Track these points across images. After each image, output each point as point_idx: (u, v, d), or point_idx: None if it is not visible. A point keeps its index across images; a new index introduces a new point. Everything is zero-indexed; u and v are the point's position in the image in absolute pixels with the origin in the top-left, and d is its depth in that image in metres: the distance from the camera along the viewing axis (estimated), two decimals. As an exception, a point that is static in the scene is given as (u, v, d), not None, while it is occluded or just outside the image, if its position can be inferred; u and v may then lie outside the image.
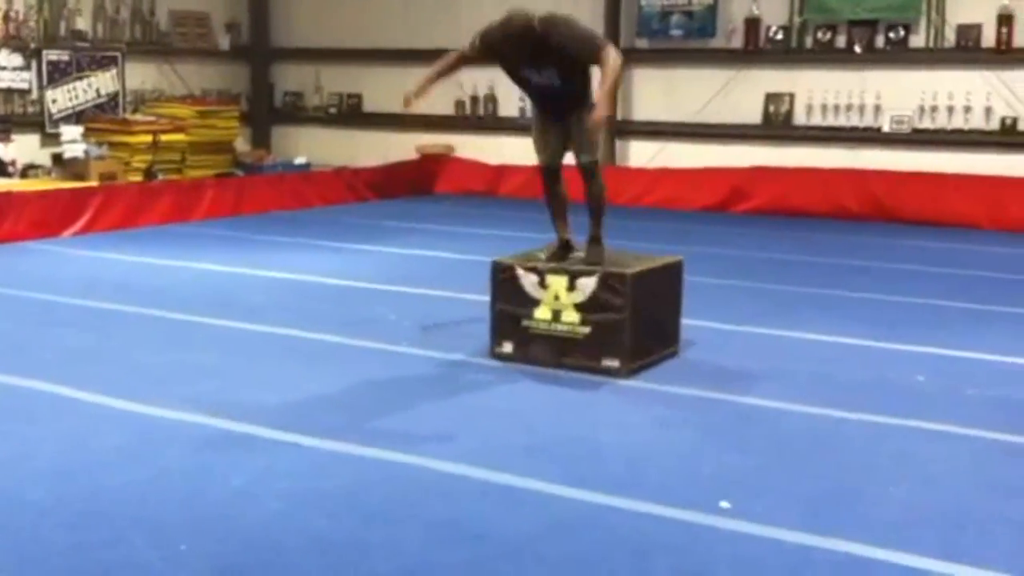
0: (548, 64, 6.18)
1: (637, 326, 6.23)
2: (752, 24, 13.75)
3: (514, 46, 6.20)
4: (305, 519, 4.23)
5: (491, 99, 15.23)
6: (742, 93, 13.83)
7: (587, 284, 6.25)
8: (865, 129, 13.26)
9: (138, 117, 14.04)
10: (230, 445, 5.06)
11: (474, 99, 15.39)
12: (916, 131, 12.98)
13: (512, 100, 14.73)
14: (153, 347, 6.85)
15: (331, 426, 5.30)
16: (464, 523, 4.23)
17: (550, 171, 6.65)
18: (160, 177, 13.15)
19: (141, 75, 14.85)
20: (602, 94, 6.12)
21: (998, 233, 11.90)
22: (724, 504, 4.37)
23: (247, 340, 7.09)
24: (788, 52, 13.66)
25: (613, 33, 14.28)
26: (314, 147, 16.33)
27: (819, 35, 13.54)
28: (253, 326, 7.38)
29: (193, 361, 6.51)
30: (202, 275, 9.34)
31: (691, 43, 14.16)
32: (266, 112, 16.94)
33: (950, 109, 12.78)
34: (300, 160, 15.48)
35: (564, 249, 6.67)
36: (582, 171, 6.48)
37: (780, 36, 13.67)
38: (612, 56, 6.10)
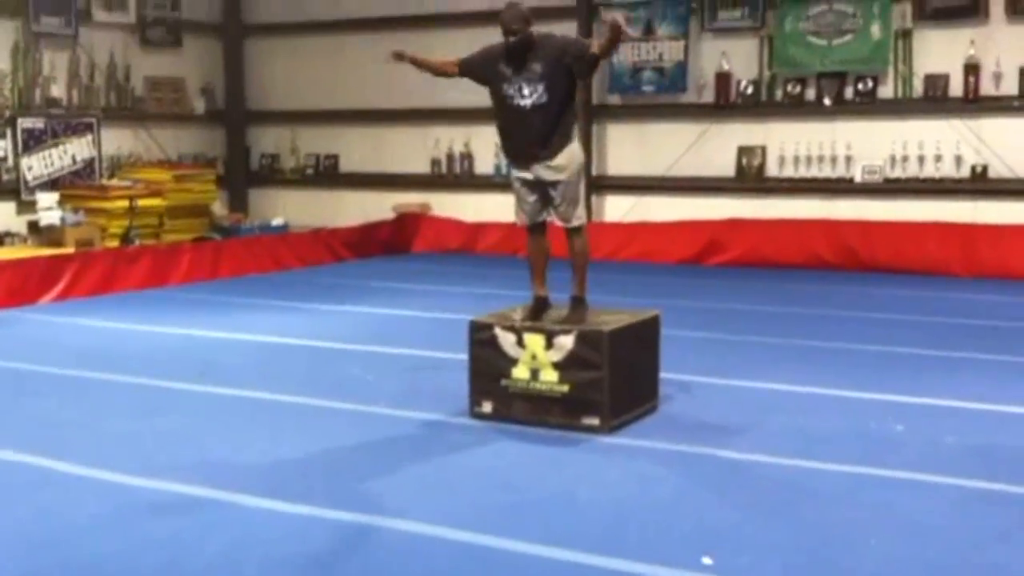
0: (535, 73, 6.23)
1: (616, 383, 6.23)
2: (722, 78, 13.91)
3: (501, 54, 6.35)
4: (283, 587, 4.19)
5: (467, 157, 15.32)
6: (715, 146, 13.96)
7: (565, 342, 6.26)
8: (837, 180, 13.39)
9: (114, 182, 14.03)
10: (206, 512, 5.01)
11: (450, 157, 15.47)
12: (888, 180, 13.12)
13: (488, 158, 14.84)
14: (128, 414, 6.80)
15: (308, 490, 5.26)
16: (442, 586, 4.20)
17: (533, 230, 6.67)
18: (137, 242, 13.13)
19: (117, 140, 14.87)
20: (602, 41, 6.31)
21: (972, 280, 11.98)
22: (706, 560, 4.35)
23: (223, 405, 7.05)
24: (759, 105, 13.81)
25: (585, 90, 14.42)
26: (292, 208, 16.37)
27: (789, 88, 13.70)
28: (229, 390, 7.34)
29: (168, 428, 6.46)
30: (178, 340, 9.30)
31: (663, 98, 14.30)
32: (243, 175, 16.96)
33: (921, 158, 12.92)
34: (278, 222, 15.49)
35: (540, 307, 6.64)
36: (567, 232, 6.54)
37: (750, 90, 13.83)
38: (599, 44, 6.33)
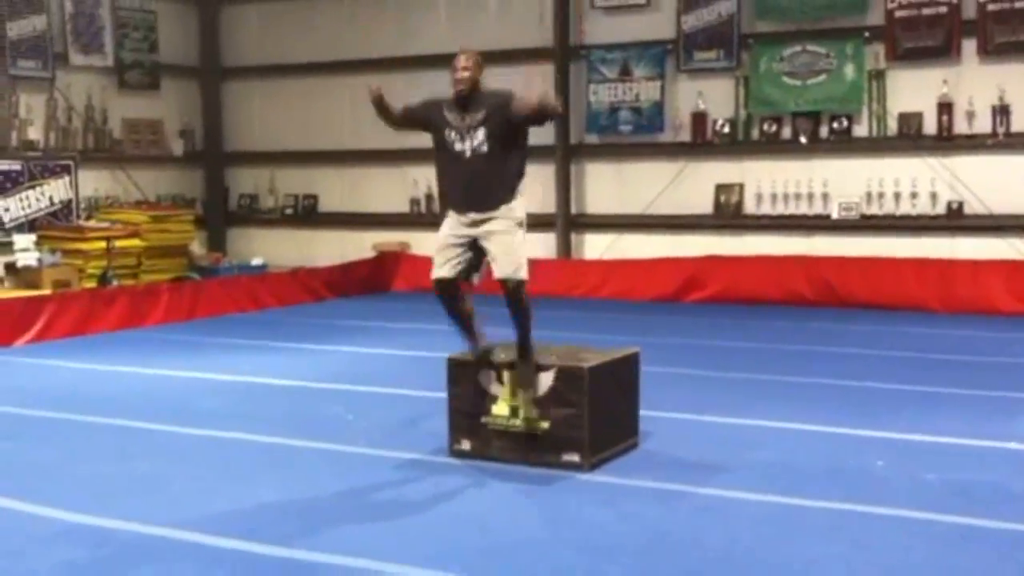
0: (477, 120, 6.07)
1: (596, 420, 6.21)
2: (699, 118, 14.02)
3: (447, 100, 6.19)
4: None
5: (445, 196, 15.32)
6: (692, 184, 14.04)
7: (544, 379, 6.24)
8: (815, 216, 13.49)
9: (92, 224, 14.00)
10: (181, 557, 4.94)
11: (428, 196, 15.50)
12: (864, 217, 13.22)
13: (466, 197, 14.86)
14: (102, 457, 6.73)
15: (286, 533, 5.20)
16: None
17: (445, 286, 6.26)
18: (115, 283, 13.07)
19: (95, 182, 14.86)
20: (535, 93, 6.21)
21: (949, 315, 12.05)
22: (686, 599, 4.33)
23: (199, 447, 6.99)
24: (735, 144, 13.92)
25: (563, 129, 14.52)
26: (270, 248, 16.35)
27: (765, 127, 13.81)
28: (205, 432, 7.28)
29: (143, 471, 6.40)
30: (154, 381, 9.23)
31: (640, 137, 14.40)
32: (221, 215, 16.96)
33: (897, 195, 13.03)
34: (256, 261, 15.47)
35: (486, 353, 6.43)
36: (506, 292, 6.17)
37: (727, 129, 13.93)
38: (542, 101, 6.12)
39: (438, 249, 6.30)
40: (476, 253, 6.24)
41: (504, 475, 6.14)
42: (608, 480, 6.03)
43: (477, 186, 6.14)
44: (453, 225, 6.27)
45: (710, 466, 6.27)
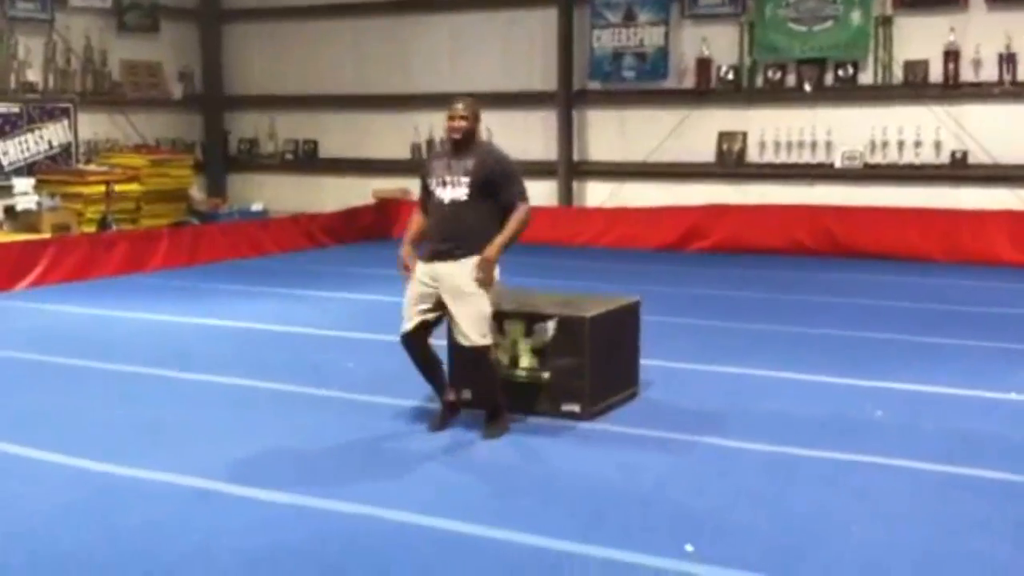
0: (464, 169, 5.83)
1: (597, 369, 6.20)
2: (703, 65, 13.89)
3: (442, 148, 6.04)
4: (264, 577, 4.15)
5: (446, 142, 15.22)
6: (695, 132, 13.94)
7: (545, 329, 6.22)
8: (818, 165, 13.40)
9: (91, 167, 13.91)
10: (185, 501, 4.96)
11: (429, 142, 15.39)
12: (868, 166, 13.14)
13: (468, 143, 14.77)
14: (106, 402, 6.74)
15: (288, 479, 5.21)
16: (425, 575, 4.16)
17: (411, 339, 5.98)
18: (114, 227, 13.02)
19: (94, 125, 14.75)
20: (501, 237, 5.80)
21: (951, 265, 12.02)
22: (688, 548, 4.33)
23: (203, 392, 6.99)
24: (739, 91, 13.80)
25: (566, 76, 14.39)
26: (270, 194, 16.28)
27: (769, 74, 13.69)
28: (210, 377, 7.28)
29: (147, 415, 6.40)
30: (156, 326, 9.23)
31: (643, 84, 14.27)
32: (221, 160, 16.87)
33: (900, 144, 12.94)
34: (256, 207, 15.41)
35: (450, 412, 6.12)
36: (461, 354, 5.93)
37: (731, 76, 13.80)
38: (526, 210, 5.90)
39: (407, 303, 5.99)
40: (442, 307, 5.91)
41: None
42: (609, 429, 6.03)
43: (452, 236, 5.84)
44: (421, 278, 5.93)
45: (711, 416, 6.27)
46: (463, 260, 5.83)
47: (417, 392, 6.68)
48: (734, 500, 4.92)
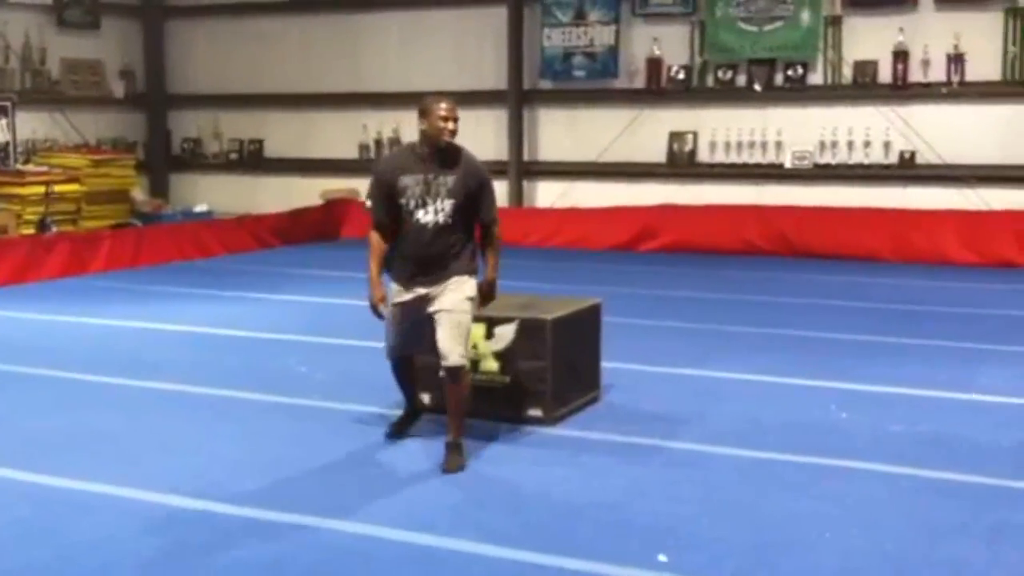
0: (446, 188, 5.34)
1: (559, 373, 6.08)
2: (654, 64, 13.84)
3: (412, 158, 5.41)
4: (220, 594, 3.97)
5: (395, 142, 15.02)
6: (646, 132, 13.89)
7: (506, 332, 6.08)
8: (768, 165, 13.42)
9: (30, 168, 13.54)
10: (137, 516, 4.75)
11: (378, 142, 15.20)
12: (818, 166, 13.17)
13: (417, 143, 14.60)
14: (48, 411, 6.49)
15: (243, 492, 5.02)
16: (390, 592, 4.02)
17: (403, 361, 5.76)
18: (54, 229, 12.69)
19: (32, 125, 14.39)
20: (493, 259, 5.57)
21: (901, 265, 12.07)
22: (662, 558, 4.22)
23: (150, 400, 6.77)
24: (690, 91, 13.77)
25: (516, 74, 14.27)
26: (215, 195, 15.98)
27: (720, 74, 13.68)
28: (156, 384, 7.06)
29: (92, 425, 6.17)
30: (99, 331, 8.95)
31: (594, 83, 14.20)
32: (164, 160, 16.55)
33: (850, 144, 12.99)
34: (201, 208, 15.13)
35: (411, 418, 5.89)
36: (449, 375, 5.42)
37: (682, 75, 13.78)
38: (499, 235, 5.59)
39: (389, 327, 5.61)
40: (426, 325, 5.52)
41: (466, 429, 5.98)
42: (574, 435, 5.91)
43: (434, 255, 5.41)
44: (400, 294, 5.55)
45: (676, 420, 6.17)
46: (447, 280, 5.42)
47: (374, 398, 6.52)
48: (705, 507, 4.81)
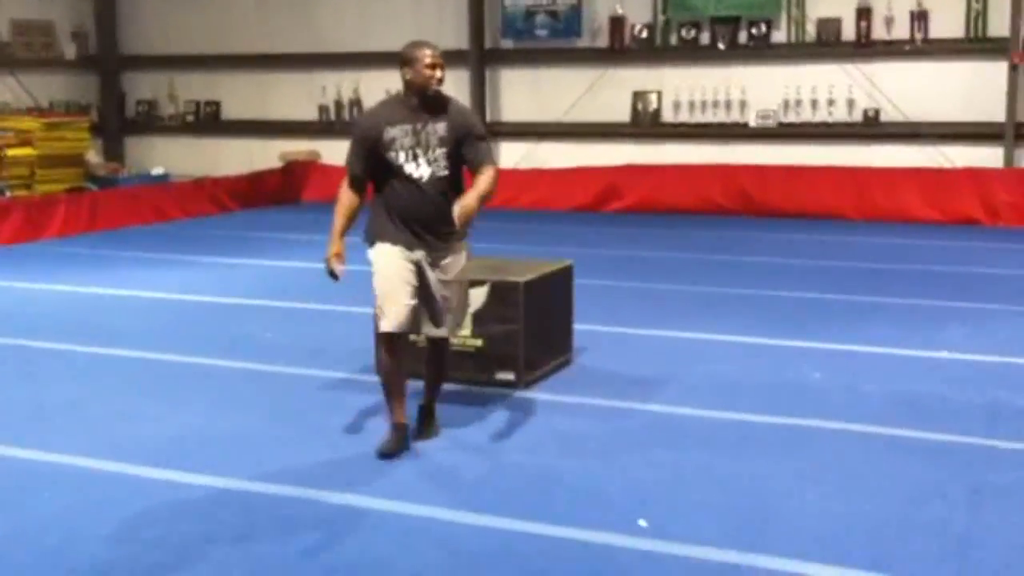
0: (437, 137, 4.99)
1: (531, 336, 6.00)
2: (617, 23, 13.70)
3: (399, 109, 5.04)
4: (190, 567, 3.86)
5: (356, 103, 14.81)
6: (610, 92, 13.76)
7: (477, 295, 5.98)
8: (732, 124, 13.34)
9: (-20, 131, 13.22)
10: (100, 486, 4.63)
11: (338, 104, 14.97)
12: (782, 125, 13.12)
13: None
14: (8, 381, 6.32)
15: (211, 461, 4.91)
16: (360, 560, 3.92)
17: (398, 338, 5.03)
18: (7, 194, 12.41)
19: (-19, 87, 14.05)
20: (476, 189, 4.92)
21: (865, 223, 12.08)
22: (642, 523, 4.16)
23: (112, 368, 6.61)
24: (653, 50, 13.66)
25: (478, 34, 14.08)
26: (172, 157, 15.70)
27: (683, 33, 13.56)
28: (117, 351, 6.91)
29: (53, 394, 6.02)
30: (58, 298, 8.76)
31: (557, 43, 14.04)
32: (118, 122, 16.22)
33: (814, 103, 12.94)
34: (157, 171, 14.87)
35: (402, 437, 5.07)
36: (434, 347, 5.22)
37: (645, 34, 13.65)
38: (495, 173, 5.05)
39: (393, 286, 4.95)
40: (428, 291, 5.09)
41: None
42: (546, 398, 5.83)
43: (438, 219, 4.99)
44: (403, 261, 5.02)
45: (649, 382, 6.11)
46: (456, 245, 5.11)
47: (342, 363, 6.42)
48: (683, 471, 4.76)
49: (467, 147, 5.06)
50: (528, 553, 3.97)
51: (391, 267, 4.99)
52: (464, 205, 4.85)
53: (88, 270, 9.84)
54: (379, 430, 5.32)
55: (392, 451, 4.98)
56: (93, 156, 14.66)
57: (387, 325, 4.97)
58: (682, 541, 4.01)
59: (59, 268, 9.94)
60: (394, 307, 4.95)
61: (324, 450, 5.09)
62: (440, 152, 5.02)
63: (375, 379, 6.07)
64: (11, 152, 12.83)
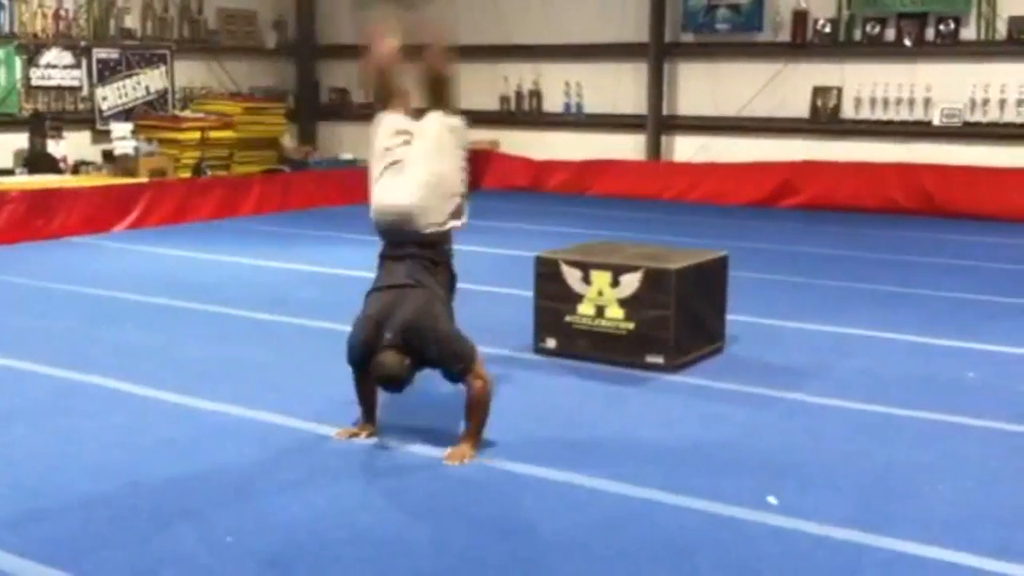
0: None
1: (682, 322, 6.19)
2: (799, 17, 13.64)
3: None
4: (351, 515, 4.24)
5: (535, 95, 15.19)
6: (789, 87, 13.72)
7: (631, 280, 6.22)
8: (915, 123, 13.12)
9: (187, 114, 14.19)
10: (279, 440, 5.08)
11: (519, 94, 15.37)
12: (967, 124, 12.82)
13: (556, 96, 14.72)
14: (203, 342, 6.91)
15: (385, 421, 5.29)
16: (509, 519, 4.23)
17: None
18: (208, 173, 13.28)
19: (189, 73, 15.01)
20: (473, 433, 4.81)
21: (1051, 228, 11.72)
22: (771, 500, 4.34)
23: (299, 336, 7.13)
24: (836, 45, 13.53)
25: (658, 27, 14.23)
26: (360, 143, 16.33)
27: (868, 28, 13.39)
28: (305, 321, 7.42)
29: (244, 357, 6.56)
30: (250, 270, 9.42)
31: (737, 36, 14.07)
32: (312, 109, 17.04)
33: (1002, 102, 12.60)
34: (346, 156, 15.55)
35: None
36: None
37: (828, 29, 13.54)
38: (484, 382, 4.86)
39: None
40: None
41: (588, 373, 6.16)
42: (693, 382, 6.03)
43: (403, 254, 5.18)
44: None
45: (798, 372, 6.23)
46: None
47: (503, 341, 6.71)
48: (819, 455, 4.89)
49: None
50: (661, 521, 4.18)
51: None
52: None
53: (279, 246, 10.51)
54: (531, 400, 5.63)
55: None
56: (288, 140, 15.50)
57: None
58: (808, 518, 4.15)
59: (253, 243, 10.64)
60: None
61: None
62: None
63: (531, 356, 6.45)
64: (213, 134, 13.71)
